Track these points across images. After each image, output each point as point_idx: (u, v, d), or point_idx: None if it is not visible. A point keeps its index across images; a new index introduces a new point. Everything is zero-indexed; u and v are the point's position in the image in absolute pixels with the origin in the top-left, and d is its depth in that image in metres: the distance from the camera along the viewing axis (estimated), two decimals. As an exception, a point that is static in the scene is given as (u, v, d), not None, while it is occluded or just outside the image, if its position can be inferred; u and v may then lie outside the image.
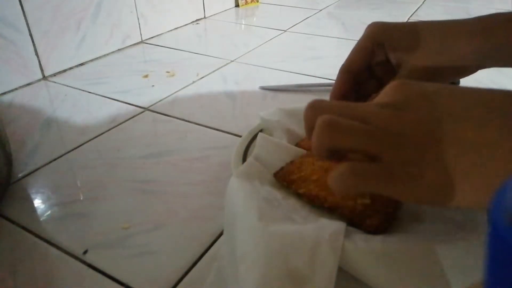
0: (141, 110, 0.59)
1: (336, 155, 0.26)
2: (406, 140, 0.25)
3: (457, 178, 0.24)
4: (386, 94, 0.28)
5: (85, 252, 0.35)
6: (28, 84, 0.68)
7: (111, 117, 0.57)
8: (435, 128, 0.25)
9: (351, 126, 0.26)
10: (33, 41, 0.67)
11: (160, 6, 0.90)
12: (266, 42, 0.86)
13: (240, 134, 0.51)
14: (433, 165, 0.24)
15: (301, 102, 0.48)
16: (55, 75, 0.71)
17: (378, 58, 0.38)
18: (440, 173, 0.24)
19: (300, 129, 0.44)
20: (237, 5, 1.14)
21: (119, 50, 0.82)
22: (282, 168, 0.36)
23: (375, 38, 0.37)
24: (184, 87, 0.66)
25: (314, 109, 0.28)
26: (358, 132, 0.26)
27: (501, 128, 0.23)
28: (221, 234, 0.36)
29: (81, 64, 0.76)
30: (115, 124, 0.55)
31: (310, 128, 0.28)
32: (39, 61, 0.69)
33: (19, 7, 0.64)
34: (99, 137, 0.52)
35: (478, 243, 0.27)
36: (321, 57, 0.78)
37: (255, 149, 0.38)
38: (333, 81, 0.39)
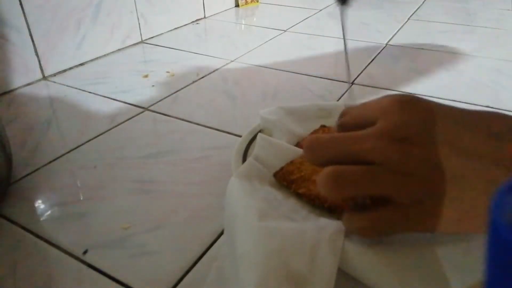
0: (141, 110, 0.59)
1: None
2: (416, 180, 0.25)
3: (459, 213, 0.25)
4: (385, 114, 0.26)
5: (85, 252, 0.35)
6: (28, 84, 0.68)
7: (111, 117, 0.56)
8: (441, 165, 0.24)
9: (356, 177, 0.25)
10: (33, 41, 0.67)
11: (160, 6, 0.90)
12: (266, 42, 0.86)
13: (240, 134, 0.51)
14: (440, 201, 0.24)
15: (302, 101, 0.49)
16: (55, 75, 0.71)
17: None
18: (444, 207, 0.24)
19: (300, 128, 0.44)
20: (237, 5, 1.14)
21: (119, 50, 0.82)
22: (281, 168, 0.36)
23: None
24: (184, 87, 0.66)
25: (313, 151, 0.28)
26: (365, 181, 0.25)
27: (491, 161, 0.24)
28: (221, 234, 0.36)
29: (81, 64, 0.75)
30: (115, 124, 0.55)
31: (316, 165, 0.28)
32: (39, 61, 0.69)
33: (19, 7, 0.64)
34: (99, 137, 0.52)
35: (478, 243, 0.27)
36: (321, 57, 0.78)
37: (255, 150, 0.38)
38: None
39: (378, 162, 0.25)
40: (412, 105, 0.26)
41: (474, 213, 0.24)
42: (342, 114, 0.30)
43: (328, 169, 0.26)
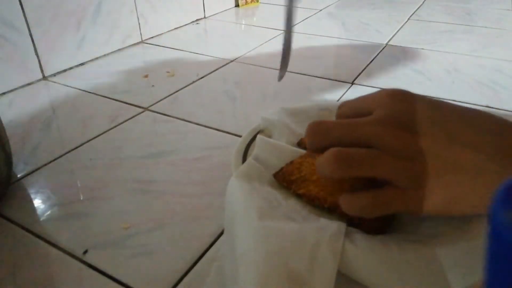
0: (141, 110, 0.59)
1: None
2: (415, 165, 0.26)
3: (449, 197, 0.26)
4: (381, 104, 0.28)
5: (85, 252, 0.35)
6: (28, 84, 0.68)
7: (111, 117, 0.56)
8: (439, 152, 0.26)
9: (361, 158, 0.27)
10: (33, 41, 0.67)
11: (160, 6, 0.90)
12: (266, 42, 0.86)
13: (240, 134, 0.51)
14: (435, 186, 0.26)
15: (303, 101, 0.49)
16: (55, 75, 0.71)
17: None
18: (438, 191, 0.26)
19: (302, 128, 0.43)
20: (237, 5, 1.14)
21: (119, 50, 0.82)
22: (281, 169, 0.36)
23: None
24: (184, 87, 0.66)
25: (315, 134, 0.29)
26: (369, 162, 0.26)
27: (493, 154, 0.26)
28: (221, 234, 0.36)
29: (81, 64, 0.76)
30: (115, 124, 0.55)
31: (315, 151, 0.29)
32: (39, 61, 0.69)
33: (19, 7, 0.64)
34: (99, 137, 0.52)
35: (478, 243, 0.27)
36: (321, 57, 0.78)
37: (254, 150, 0.38)
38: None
39: (379, 147, 0.27)
40: (408, 97, 0.28)
41: (461, 197, 0.26)
42: (340, 107, 0.33)
43: (334, 150, 0.27)
